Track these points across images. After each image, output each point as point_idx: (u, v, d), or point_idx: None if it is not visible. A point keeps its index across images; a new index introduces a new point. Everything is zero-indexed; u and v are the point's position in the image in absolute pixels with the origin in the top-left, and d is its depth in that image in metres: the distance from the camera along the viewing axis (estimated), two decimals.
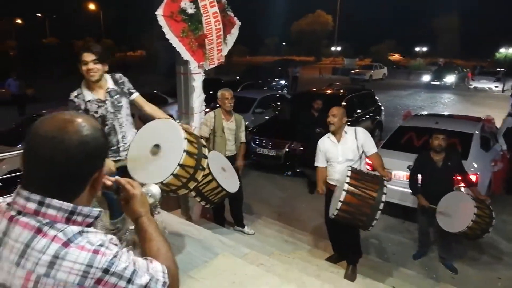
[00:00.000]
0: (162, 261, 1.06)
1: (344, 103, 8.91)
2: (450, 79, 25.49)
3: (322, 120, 7.23)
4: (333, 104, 9.04)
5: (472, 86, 24.36)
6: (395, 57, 44.76)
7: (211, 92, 13.01)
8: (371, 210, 3.18)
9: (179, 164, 2.43)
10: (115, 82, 2.91)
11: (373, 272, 4.16)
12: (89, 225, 0.96)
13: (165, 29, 3.79)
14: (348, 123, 7.99)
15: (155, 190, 1.31)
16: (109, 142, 2.90)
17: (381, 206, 3.17)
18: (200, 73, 4.22)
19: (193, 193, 3.88)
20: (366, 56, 43.82)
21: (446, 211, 4.15)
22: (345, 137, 3.74)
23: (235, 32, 4.41)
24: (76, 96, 2.80)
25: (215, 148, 4.25)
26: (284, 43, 59.43)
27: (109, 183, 1.18)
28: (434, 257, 4.79)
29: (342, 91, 9.81)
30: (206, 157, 2.64)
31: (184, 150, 2.44)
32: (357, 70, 30.31)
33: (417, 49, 46.60)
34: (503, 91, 22.55)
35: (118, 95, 2.89)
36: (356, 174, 3.33)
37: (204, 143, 2.74)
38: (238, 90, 13.72)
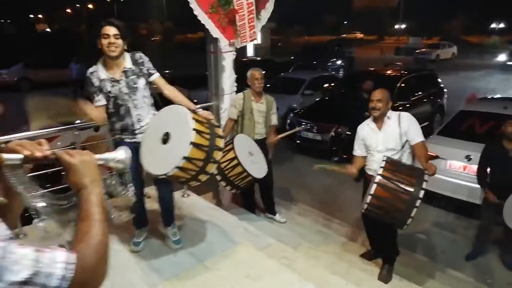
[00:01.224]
0: (82, 248, 0.86)
1: (400, 85, 8.24)
2: None
3: None
4: (386, 85, 8.45)
5: None
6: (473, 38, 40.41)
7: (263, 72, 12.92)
8: (405, 206, 2.80)
9: (184, 157, 2.27)
10: (134, 62, 2.74)
11: (415, 273, 3.76)
12: None
13: (193, 4, 3.60)
14: (400, 108, 7.49)
15: (122, 155, 1.09)
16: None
17: (418, 203, 2.78)
18: (231, 51, 3.99)
19: (218, 177, 3.75)
20: (435, 34, 40.47)
21: None
22: (387, 123, 3.32)
23: (270, 6, 4.10)
24: (91, 73, 2.70)
25: (244, 131, 4.04)
26: (345, 22, 56.96)
27: (39, 154, 0.97)
28: (492, 260, 4.25)
29: (398, 71, 9.06)
30: (220, 150, 2.47)
31: (191, 143, 2.27)
32: (423, 50, 28.16)
33: (493, 25, 42.01)
34: None
35: (135, 76, 2.72)
36: (391, 165, 2.95)
37: (220, 133, 2.54)
38: (289, 71, 13.37)
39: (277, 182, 6.50)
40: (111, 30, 2.54)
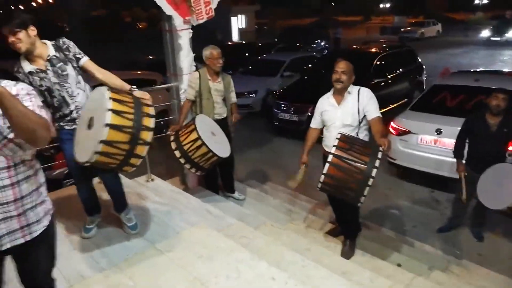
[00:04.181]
0: None
1: (376, 62, 8.16)
2: None
3: None
4: (362, 63, 8.32)
5: None
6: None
7: (247, 54, 12.83)
8: (358, 185, 2.75)
9: (101, 141, 2.14)
10: (58, 48, 2.57)
11: (381, 248, 3.73)
12: None
13: None
14: (382, 84, 7.38)
15: None
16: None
17: (371, 181, 2.71)
18: (187, 29, 3.84)
19: (182, 160, 3.66)
20: (420, 13, 40.20)
21: (489, 183, 3.58)
22: (347, 99, 3.24)
23: None
24: (17, 71, 2.53)
25: (203, 112, 3.92)
26: (332, 3, 56.24)
27: None
28: (464, 233, 4.24)
29: (375, 49, 8.96)
30: (150, 130, 2.31)
31: (107, 124, 2.13)
32: (407, 28, 28.04)
33: (476, 1, 41.72)
34: None
35: (61, 63, 2.56)
36: (345, 143, 2.89)
37: (151, 112, 2.38)
38: (272, 53, 13.22)
39: (254, 164, 6.48)
40: (5, 31, 2.33)
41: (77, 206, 3.06)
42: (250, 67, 10.90)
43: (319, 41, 20.85)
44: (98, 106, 2.27)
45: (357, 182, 2.76)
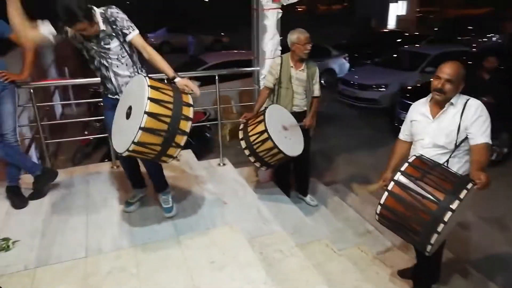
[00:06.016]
0: None
1: None
2: None
3: (493, 86, 5.30)
4: None
5: None
6: None
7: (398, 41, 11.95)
8: (423, 229, 2.03)
9: (133, 142, 2.08)
10: (106, 20, 2.40)
11: None
12: None
13: None
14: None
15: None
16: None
17: (441, 228, 1.96)
18: (275, 8, 3.46)
19: (247, 152, 3.41)
20: None
21: None
22: (448, 111, 2.43)
23: None
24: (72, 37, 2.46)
25: (280, 102, 3.52)
26: None
27: None
28: None
29: None
30: (184, 134, 2.20)
31: (140, 128, 2.05)
32: None
33: None
34: None
35: (107, 36, 2.38)
36: (416, 170, 2.16)
37: (189, 114, 2.22)
38: (422, 44, 11.75)
39: (359, 167, 5.80)
40: (76, 28, 2.26)
41: None
42: (388, 58, 9.84)
43: (491, 35, 17.55)
44: (139, 98, 2.17)
45: (422, 224, 2.05)
